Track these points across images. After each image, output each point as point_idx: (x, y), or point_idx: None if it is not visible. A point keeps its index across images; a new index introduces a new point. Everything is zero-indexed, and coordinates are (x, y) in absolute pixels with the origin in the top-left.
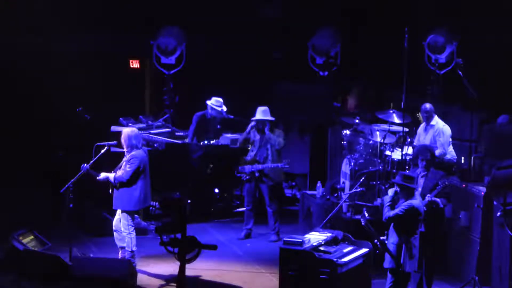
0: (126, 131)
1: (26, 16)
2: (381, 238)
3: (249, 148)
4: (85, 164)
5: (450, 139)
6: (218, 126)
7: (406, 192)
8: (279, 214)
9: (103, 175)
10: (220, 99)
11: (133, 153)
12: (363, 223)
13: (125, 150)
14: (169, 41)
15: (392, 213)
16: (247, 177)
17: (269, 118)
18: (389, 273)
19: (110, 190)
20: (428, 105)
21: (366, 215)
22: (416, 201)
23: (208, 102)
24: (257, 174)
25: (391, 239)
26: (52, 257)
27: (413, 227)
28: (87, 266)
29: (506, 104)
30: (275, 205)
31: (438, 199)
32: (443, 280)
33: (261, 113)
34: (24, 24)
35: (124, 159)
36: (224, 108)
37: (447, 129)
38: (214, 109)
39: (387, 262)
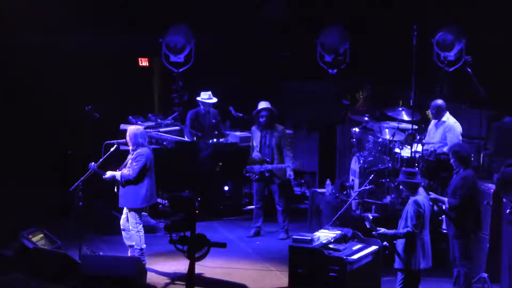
0: (132, 129)
1: (35, 15)
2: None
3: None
4: (93, 163)
5: (461, 137)
6: (214, 121)
7: (410, 188)
8: (288, 212)
9: (109, 173)
10: (209, 92)
11: (138, 150)
12: (368, 226)
13: (130, 148)
14: (178, 39)
15: (407, 229)
16: (256, 176)
17: (269, 107)
18: (400, 274)
19: (116, 189)
20: (439, 101)
21: (370, 217)
22: (420, 197)
23: (198, 98)
24: (267, 174)
25: (401, 240)
26: (61, 256)
27: (420, 224)
28: (97, 264)
29: None
30: (285, 203)
31: (444, 198)
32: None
33: (263, 104)
34: (33, 23)
35: (129, 157)
36: (214, 99)
37: (458, 126)
38: (206, 103)
39: (397, 263)
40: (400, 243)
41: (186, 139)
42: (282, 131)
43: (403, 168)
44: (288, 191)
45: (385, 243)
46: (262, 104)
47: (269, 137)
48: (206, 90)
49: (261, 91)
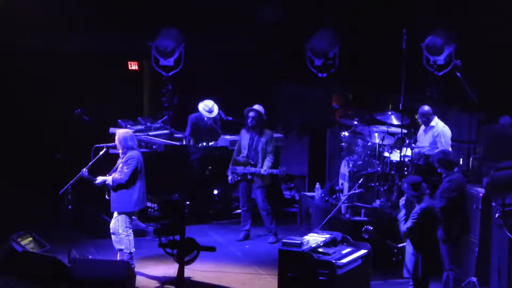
0: (121, 132)
1: (25, 17)
2: (399, 245)
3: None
4: (84, 170)
5: (450, 142)
6: (213, 125)
7: (415, 199)
8: (274, 214)
9: (100, 179)
10: (210, 102)
11: (129, 154)
12: (366, 237)
13: (120, 151)
14: (168, 42)
15: (406, 226)
16: (238, 178)
17: (257, 108)
18: (411, 281)
19: (107, 195)
20: (426, 107)
21: (371, 228)
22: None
23: (200, 107)
24: (249, 177)
25: (409, 248)
26: (50, 259)
27: (432, 231)
28: (86, 268)
29: (505, 105)
30: (268, 205)
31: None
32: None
33: (256, 107)
34: (23, 25)
35: (120, 160)
36: (216, 109)
37: (447, 130)
38: (205, 109)
39: (406, 272)
40: (409, 253)
41: (177, 142)
42: (270, 136)
43: (409, 177)
44: (277, 194)
45: (394, 249)
46: (255, 107)
47: (256, 140)
48: (209, 98)
49: (251, 94)
